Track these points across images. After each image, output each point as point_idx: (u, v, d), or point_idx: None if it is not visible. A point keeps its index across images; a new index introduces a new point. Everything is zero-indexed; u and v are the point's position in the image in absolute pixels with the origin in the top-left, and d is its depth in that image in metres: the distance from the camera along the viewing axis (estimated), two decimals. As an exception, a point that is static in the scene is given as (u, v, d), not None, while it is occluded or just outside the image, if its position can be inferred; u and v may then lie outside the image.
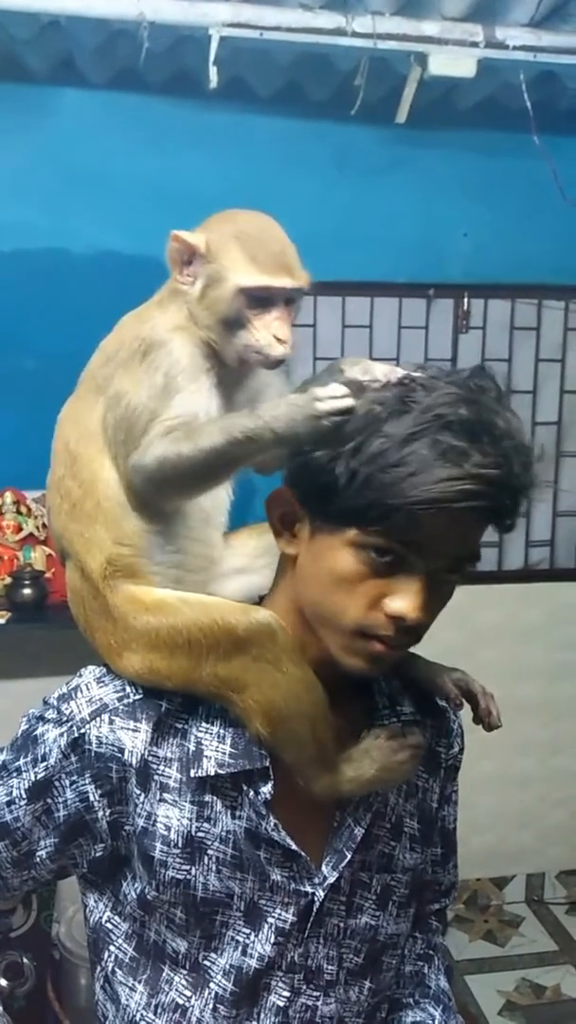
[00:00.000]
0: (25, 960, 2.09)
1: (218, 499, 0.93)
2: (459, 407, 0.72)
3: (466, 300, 2.59)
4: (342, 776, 0.83)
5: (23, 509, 2.33)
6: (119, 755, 0.82)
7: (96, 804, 0.82)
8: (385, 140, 2.39)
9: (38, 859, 0.85)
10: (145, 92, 2.28)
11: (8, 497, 2.31)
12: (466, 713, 0.97)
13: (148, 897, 0.83)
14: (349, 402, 0.72)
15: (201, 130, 2.32)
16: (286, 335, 0.86)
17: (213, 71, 2.01)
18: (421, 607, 0.75)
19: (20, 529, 2.32)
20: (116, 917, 0.87)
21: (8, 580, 2.24)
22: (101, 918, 0.89)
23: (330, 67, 2.21)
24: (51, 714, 0.85)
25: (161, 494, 0.84)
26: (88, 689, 0.85)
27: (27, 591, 2.20)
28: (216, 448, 0.78)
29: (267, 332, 0.85)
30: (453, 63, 2.10)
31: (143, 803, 0.82)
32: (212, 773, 0.82)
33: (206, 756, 0.82)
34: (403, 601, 0.75)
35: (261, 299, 0.85)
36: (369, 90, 2.20)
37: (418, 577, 0.75)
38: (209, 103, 2.23)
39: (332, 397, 0.73)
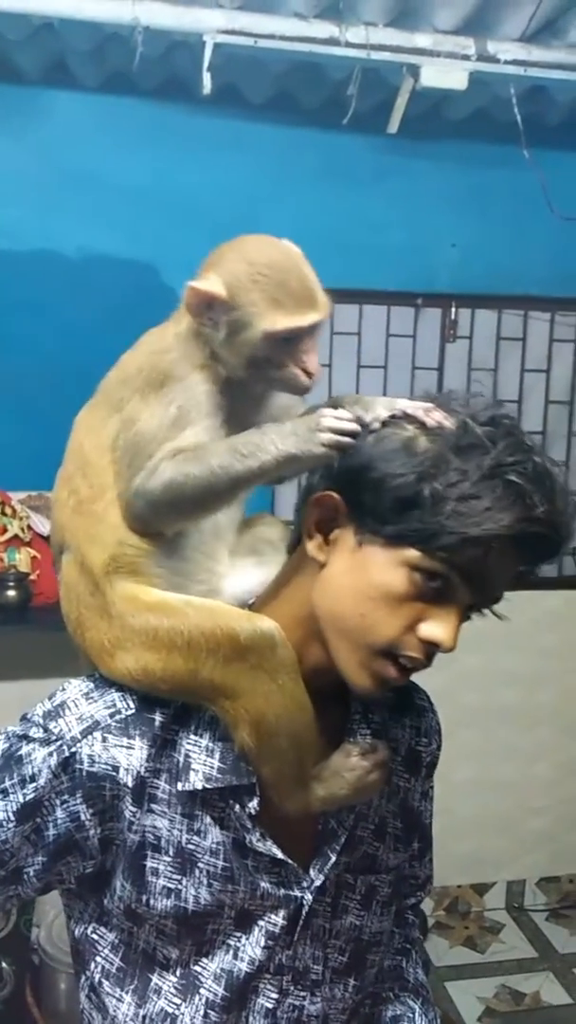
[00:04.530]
0: (4, 964, 2.07)
1: (230, 515, 0.91)
2: (530, 455, 0.76)
3: (453, 310, 2.61)
4: (314, 796, 0.83)
5: (8, 511, 2.31)
6: (113, 774, 0.80)
7: (88, 823, 0.81)
8: (376, 150, 2.41)
9: (25, 876, 0.83)
10: (137, 96, 2.29)
11: (-7, 498, 2.30)
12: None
13: (139, 911, 0.83)
14: (348, 440, 0.76)
15: (192, 136, 2.33)
16: (315, 367, 0.85)
17: (206, 77, 2.02)
18: (455, 637, 0.77)
19: (5, 531, 2.30)
20: (102, 928, 0.86)
21: (-8, 582, 2.23)
22: (87, 929, 0.87)
23: (323, 76, 2.23)
24: (36, 733, 0.82)
25: (164, 518, 0.83)
26: (76, 706, 0.82)
27: (11, 593, 2.19)
28: (223, 467, 0.79)
29: (296, 368, 0.84)
30: (445, 75, 2.12)
31: (138, 819, 0.81)
32: (199, 787, 0.81)
33: (193, 769, 0.82)
34: (441, 629, 0.77)
35: (289, 338, 0.84)
36: (361, 100, 2.22)
37: (457, 607, 0.77)
38: (201, 109, 2.24)
39: (332, 429, 0.76)
